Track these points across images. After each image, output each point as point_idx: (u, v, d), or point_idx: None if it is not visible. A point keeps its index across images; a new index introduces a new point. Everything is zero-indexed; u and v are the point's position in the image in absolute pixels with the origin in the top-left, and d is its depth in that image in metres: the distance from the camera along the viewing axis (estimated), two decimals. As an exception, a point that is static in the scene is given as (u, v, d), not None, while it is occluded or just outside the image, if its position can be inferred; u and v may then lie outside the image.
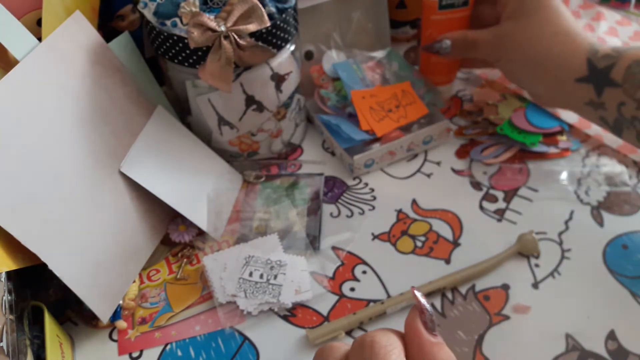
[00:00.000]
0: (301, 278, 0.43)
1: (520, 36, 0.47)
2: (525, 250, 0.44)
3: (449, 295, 0.43)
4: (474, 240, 0.47)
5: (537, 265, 0.44)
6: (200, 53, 0.43)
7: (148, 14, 0.44)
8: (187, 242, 0.47)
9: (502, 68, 0.52)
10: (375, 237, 0.48)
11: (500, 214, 0.49)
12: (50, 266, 0.36)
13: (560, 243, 0.46)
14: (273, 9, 0.43)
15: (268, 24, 0.42)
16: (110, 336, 0.42)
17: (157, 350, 0.41)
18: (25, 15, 0.42)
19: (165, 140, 0.47)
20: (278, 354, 0.40)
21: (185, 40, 0.42)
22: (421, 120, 0.55)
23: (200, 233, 0.48)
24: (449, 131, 0.57)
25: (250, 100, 0.47)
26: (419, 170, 0.54)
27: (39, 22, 0.42)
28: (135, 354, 0.41)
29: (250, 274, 0.43)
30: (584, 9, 0.70)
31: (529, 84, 0.51)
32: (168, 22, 0.43)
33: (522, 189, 0.51)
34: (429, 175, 0.53)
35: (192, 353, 0.41)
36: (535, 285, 0.43)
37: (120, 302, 0.42)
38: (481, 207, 0.50)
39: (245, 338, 0.41)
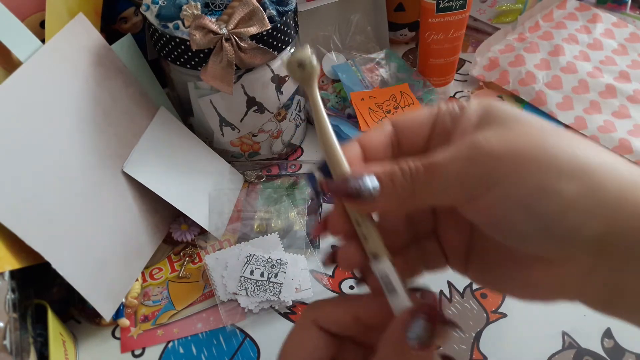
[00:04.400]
0: (301, 276, 0.44)
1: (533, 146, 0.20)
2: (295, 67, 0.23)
3: (447, 293, 0.43)
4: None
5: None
6: (202, 55, 0.43)
7: (150, 16, 0.44)
8: (189, 241, 0.48)
9: (483, 216, 0.22)
10: (374, 236, 0.48)
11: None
12: (54, 265, 0.36)
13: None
14: (273, 12, 0.44)
15: (269, 26, 0.43)
16: (113, 334, 0.42)
17: (159, 348, 0.41)
18: (28, 17, 0.43)
19: (168, 141, 0.48)
20: (278, 351, 0.41)
21: (188, 43, 0.42)
22: (420, 121, 0.56)
23: (202, 232, 0.48)
24: (447, 132, 0.57)
25: (251, 102, 0.48)
26: (417, 171, 0.54)
27: (42, 24, 0.42)
28: (137, 352, 0.41)
29: (251, 273, 0.43)
30: (580, 11, 0.70)
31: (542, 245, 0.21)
32: (170, 25, 0.43)
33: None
34: (427, 176, 0.54)
35: (194, 350, 0.41)
36: (532, 283, 0.44)
37: (123, 300, 0.42)
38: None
39: (247, 335, 0.42)
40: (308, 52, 0.23)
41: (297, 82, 0.24)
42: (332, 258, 0.25)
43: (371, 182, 0.21)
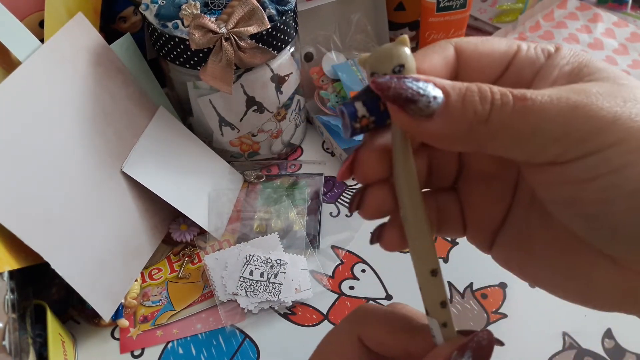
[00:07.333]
0: (301, 277, 0.44)
1: None
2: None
3: (447, 293, 0.43)
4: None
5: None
6: (201, 55, 0.43)
7: (150, 16, 0.44)
8: (189, 242, 0.48)
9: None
10: (374, 236, 0.48)
11: (498, 213, 0.49)
12: (53, 265, 0.36)
13: (558, 242, 0.46)
14: (273, 11, 0.44)
15: (268, 26, 0.42)
16: (112, 334, 0.42)
17: (158, 349, 0.41)
18: (27, 17, 0.43)
19: (167, 141, 0.48)
20: (278, 352, 0.40)
21: (187, 42, 0.42)
22: (420, 121, 0.55)
23: (202, 232, 0.48)
24: (448, 132, 0.57)
25: (250, 101, 0.48)
26: (417, 171, 0.54)
27: (41, 24, 0.42)
28: (137, 352, 0.41)
29: (251, 273, 0.43)
30: (581, 10, 0.70)
31: None
32: (169, 24, 0.43)
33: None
34: (427, 176, 0.54)
35: (194, 351, 0.41)
36: (533, 283, 0.43)
37: (122, 300, 0.42)
38: (479, 207, 0.50)
39: (246, 336, 0.42)
40: (407, 52, 0.18)
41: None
42: (378, 235, 0.20)
43: (434, 91, 0.16)
